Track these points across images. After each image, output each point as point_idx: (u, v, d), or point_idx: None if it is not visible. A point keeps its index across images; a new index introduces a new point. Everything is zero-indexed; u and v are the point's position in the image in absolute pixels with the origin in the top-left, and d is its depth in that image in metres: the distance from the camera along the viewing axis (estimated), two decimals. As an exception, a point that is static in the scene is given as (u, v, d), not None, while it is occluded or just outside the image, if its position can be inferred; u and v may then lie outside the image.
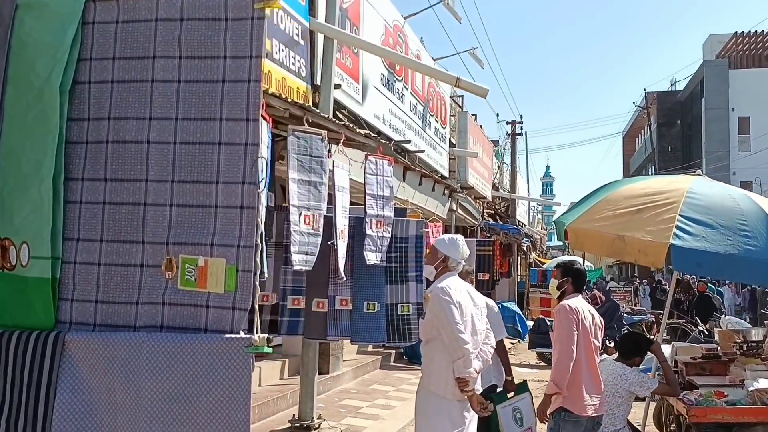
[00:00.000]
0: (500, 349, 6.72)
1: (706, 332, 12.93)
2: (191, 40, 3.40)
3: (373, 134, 8.08)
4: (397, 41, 15.17)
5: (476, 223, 22.96)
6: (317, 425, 8.32)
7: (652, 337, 13.29)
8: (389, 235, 7.19)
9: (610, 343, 12.58)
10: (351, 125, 7.52)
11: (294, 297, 7.24)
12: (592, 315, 5.64)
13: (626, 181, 7.43)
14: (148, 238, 3.39)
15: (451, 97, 21.95)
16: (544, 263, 32.88)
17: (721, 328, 9.42)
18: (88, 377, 3.28)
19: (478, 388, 5.28)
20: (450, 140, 21.04)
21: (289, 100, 6.17)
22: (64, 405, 3.25)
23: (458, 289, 5.22)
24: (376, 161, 7.13)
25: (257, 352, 3.14)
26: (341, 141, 6.66)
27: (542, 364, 15.30)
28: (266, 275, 4.65)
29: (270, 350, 3.19)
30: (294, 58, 9.72)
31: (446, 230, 16.95)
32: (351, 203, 6.89)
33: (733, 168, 42.23)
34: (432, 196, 16.80)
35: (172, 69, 3.41)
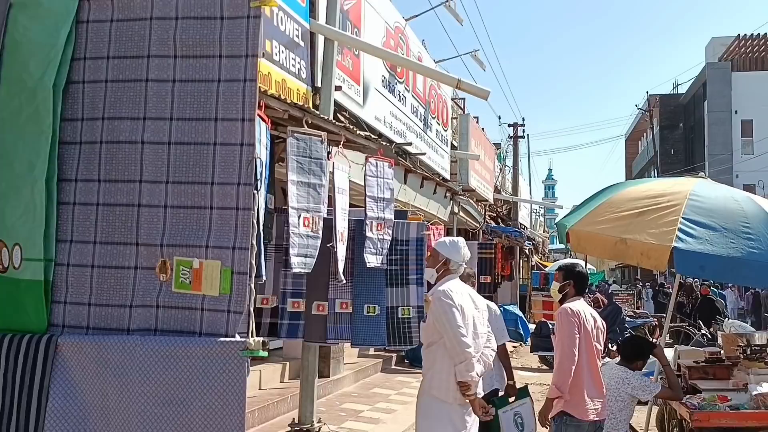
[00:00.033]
0: (502, 354, 6.69)
1: (709, 336, 12.87)
2: (186, 39, 3.36)
3: (373, 136, 8.03)
4: (398, 43, 15.14)
5: (478, 225, 22.92)
6: (317, 429, 8.27)
7: (654, 340, 13.26)
8: (390, 238, 7.14)
9: (612, 347, 12.51)
10: (351, 127, 7.47)
11: (294, 300, 7.20)
12: (594, 318, 5.60)
13: (628, 183, 7.39)
14: (142, 239, 3.34)
15: (452, 99, 21.93)
16: (547, 266, 32.82)
17: (724, 331, 9.36)
18: (80, 381, 3.23)
19: (480, 392, 5.23)
20: (452, 143, 21.01)
21: (289, 101, 6.11)
22: (56, 409, 3.20)
23: (460, 292, 5.19)
24: (376, 163, 7.09)
25: (252, 355, 3.09)
26: (341, 143, 6.61)
27: (544, 367, 15.24)
28: (264, 278, 4.63)
29: (266, 354, 3.14)
30: (294, 59, 9.69)
31: (448, 233, 16.93)
32: (351, 205, 6.85)
33: (736, 171, 42.13)
34: (433, 198, 16.78)
35: (167, 68, 3.36)
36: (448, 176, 19.90)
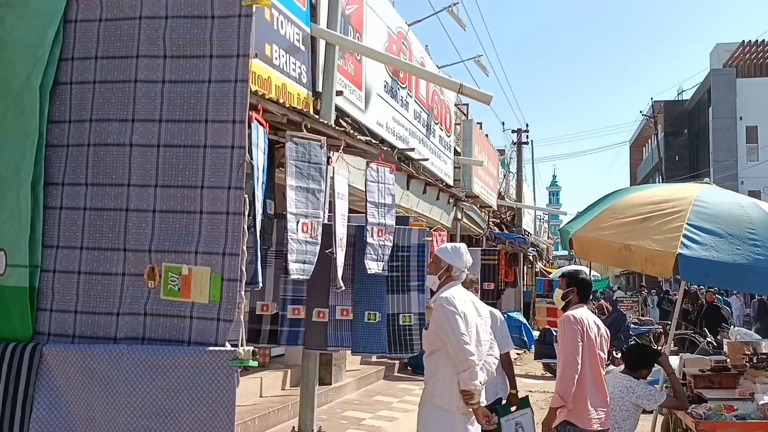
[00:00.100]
0: (506, 362, 6.62)
1: (715, 343, 12.76)
2: (176, 39, 3.27)
3: (374, 141, 7.96)
4: (400, 48, 15.08)
5: (481, 232, 22.83)
6: (318, 437, 8.17)
7: (659, 348, 13.15)
8: (391, 244, 7.06)
9: (617, 354, 12.40)
10: (352, 132, 7.39)
11: (294, 306, 7.12)
12: (598, 326, 5.52)
13: (632, 189, 7.30)
14: (130, 245, 3.26)
15: (456, 105, 21.86)
16: (551, 273, 32.68)
17: (730, 339, 9.25)
18: (66, 391, 3.14)
19: (483, 400, 5.18)
20: (455, 148, 20.94)
21: (288, 105, 6.03)
22: (40, 420, 3.11)
23: (462, 299, 5.16)
24: (377, 168, 7.01)
25: (242, 365, 3.00)
26: (341, 148, 6.53)
27: (548, 375, 15.12)
28: (260, 284, 4.55)
29: (255, 364, 3.05)
30: (295, 64, 9.62)
31: (451, 239, 16.85)
32: (353, 211, 6.78)
33: (740, 177, 42.01)
34: (436, 204, 16.69)
35: (156, 69, 3.28)
36: (451, 182, 19.82)
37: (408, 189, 14.33)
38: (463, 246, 5.51)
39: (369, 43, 12.54)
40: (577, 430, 5.24)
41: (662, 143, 50.93)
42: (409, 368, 14.47)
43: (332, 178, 6.33)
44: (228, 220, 3.13)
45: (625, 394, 5.80)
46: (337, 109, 10.47)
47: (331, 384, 11.33)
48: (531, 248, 28.66)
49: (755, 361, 7.14)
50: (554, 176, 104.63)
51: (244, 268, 3.09)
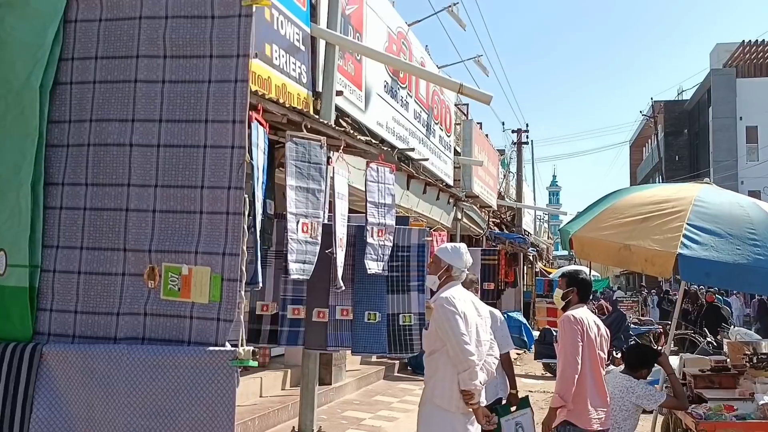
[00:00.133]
0: (506, 362, 6.62)
1: (715, 343, 12.75)
2: (176, 39, 3.27)
3: (374, 141, 7.96)
4: (400, 48, 15.08)
5: (481, 232, 22.82)
6: (318, 437, 8.17)
7: (659, 348, 13.14)
8: (391, 244, 7.05)
9: (617, 354, 12.40)
10: (352, 132, 7.38)
11: (294, 306, 7.11)
12: (598, 326, 5.51)
13: (632, 189, 7.28)
14: (130, 245, 3.25)
15: (456, 105, 21.85)
16: (551, 273, 32.67)
17: (730, 339, 9.24)
18: (66, 391, 3.13)
19: (483, 400, 5.17)
20: (455, 148, 20.93)
21: (288, 105, 6.03)
22: (40, 420, 3.10)
23: (462, 299, 5.16)
24: (377, 168, 7.00)
25: (242, 365, 2.99)
26: (341, 148, 6.53)
27: (548, 375, 15.12)
28: (260, 284, 4.55)
29: (255, 364, 3.04)
30: (295, 64, 9.62)
31: (451, 239, 16.83)
32: (353, 211, 6.78)
33: (740, 177, 41.98)
34: (436, 204, 16.68)
35: (156, 69, 3.28)
36: (451, 182, 19.81)
37: (408, 189, 14.33)
38: (463, 246, 5.50)
39: (369, 43, 12.53)
40: (577, 430, 5.24)
41: (662, 143, 50.91)
42: (409, 368, 14.46)
43: (332, 178, 6.33)
44: (228, 220, 3.13)
45: (625, 394, 5.80)
46: (337, 109, 10.46)
47: (331, 384, 11.32)
48: (531, 248, 28.65)
49: (755, 361, 7.14)
50: (554, 176, 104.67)
51: (244, 268, 3.08)
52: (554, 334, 14.01)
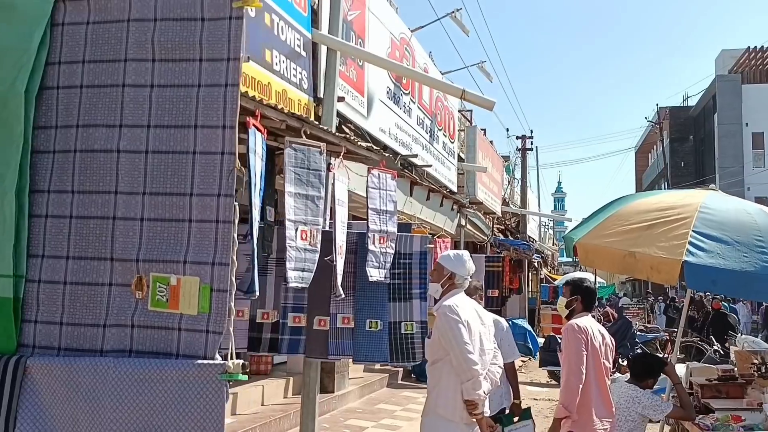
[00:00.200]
0: (510, 371, 6.53)
1: (722, 352, 12.63)
2: (165, 42, 3.17)
3: (375, 147, 7.88)
4: (403, 54, 15.03)
5: (486, 238, 22.72)
6: (319, 447, 8.08)
7: (665, 356, 13.02)
8: (393, 251, 6.98)
9: (623, 362, 12.29)
10: (352, 138, 7.32)
11: (295, 315, 7.03)
12: (602, 335, 5.44)
13: (637, 195, 7.21)
14: (117, 254, 3.15)
15: (459, 111, 21.79)
16: (556, 279, 32.59)
17: (737, 347, 9.14)
18: (50, 406, 3.03)
19: (487, 410, 5.12)
20: (459, 155, 20.86)
21: (287, 111, 5.96)
22: (25, 435, 3.01)
23: (466, 307, 5.12)
24: (378, 175, 6.93)
25: (232, 379, 2.90)
26: (341, 154, 6.46)
27: (553, 382, 15.01)
28: (257, 293, 4.46)
29: (245, 378, 2.94)
30: (296, 69, 9.57)
31: (455, 246, 16.75)
32: (355, 218, 6.72)
33: (747, 183, 41.91)
34: (440, 211, 16.60)
35: (145, 73, 3.18)
36: (455, 189, 19.75)
37: (411, 195, 14.26)
38: (465, 253, 5.45)
39: (371, 48, 12.49)
40: (582, 441, 5.16)
41: (668, 149, 50.81)
42: (412, 376, 14.38)
43: (332, 184, 6.26)
44: (218, 229, 3.03)
45: (631, 404, 5.71)
46: (340, 115, 10.41)
47: (333, 392, 11.24)
48: (536, 255, 28.55)
49: (763, 370, 7.03)
50: (559, 182, 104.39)
51: (233, 278, 2.99)
52: (559, 341, 13.90)
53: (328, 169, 6.04)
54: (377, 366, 13.38)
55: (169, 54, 3.17)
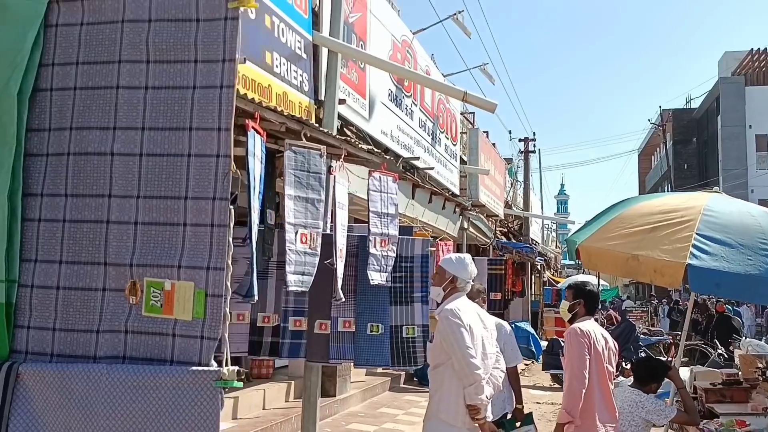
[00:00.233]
0: (513, 376, 6.48)
1: (726, 355, 12.56)
2: (159, 43, 3.13)
3: (376, 150, 7.84)
4: (405, 57, 15.00)
5: (488, 241, 22.65)
6: (320, 451, 8.03)
7: (669, 359, 12.95)
8: (394, 254, 6.95)
9: (626, 365, 12.23)
10: (353, 140, 7.27)
11: (296, 318, 7.00)
12: (605, 339, 5.39)
13: (641, 198, 7.17)
14: (111, 259, 3.10)
15: (462, 113, 21.75)
16: (559, 282, 32.52)
17: (741, 350, 9.08)
18: (43, 412, 2.98)
19: (490, 415, 5.07)
20: (461, 157, 20.81)
21: (286, 113, 5.93)
22: (16, 443, 2.96)
23: (468, 310, 5.07)
24: (380, 177, 6.90)
25: (226, 386, 2.85)
26: (342, 156, 6.42)
27: (556, 386, 14.95)
28: (255, 297, 4.41)
29: (240, 385, 2.89)
30: (296, 72, 9.52)
31: (458, 249, 16.70)
32: (357, 221, 6.68)
33: (750, 186, 41.79)
34: (442, 214, 16.55)
35: (139, 74, 3.14)
36: (457, 191, 19.69)
37: (413, 198, 14.21)
38: (467, 257, 5.40)
39: (373, 51, 12.45)
40: (586, 447, 5.11)
41: (671, 152, 50.74)
42: (415, 379, 14.32)
43: (333, 187, 6.22)
44: (212, 233, 2.98)
45: (635, 409, 5.67)
46: (341, 117, 10.36)
47: (335, 396, 11.19)
48: (539, 257, 28.49)
49: (768, 374, 7.00)
50: (562, 185, 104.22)
51: (229, 283, 2.94)
52: (562, 344, 13.84)
53: (329, 171, 6.00)
54: (379, 369, 13.34)
55: (163, 55, 3.13)
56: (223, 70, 3.04)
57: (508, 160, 35.03)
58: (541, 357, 17.15)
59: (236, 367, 2.85)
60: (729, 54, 48.53)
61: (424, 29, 16.63)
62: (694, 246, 5.09)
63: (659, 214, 5.62)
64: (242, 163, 3.92)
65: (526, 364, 17.57)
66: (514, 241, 28.14)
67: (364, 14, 12.54)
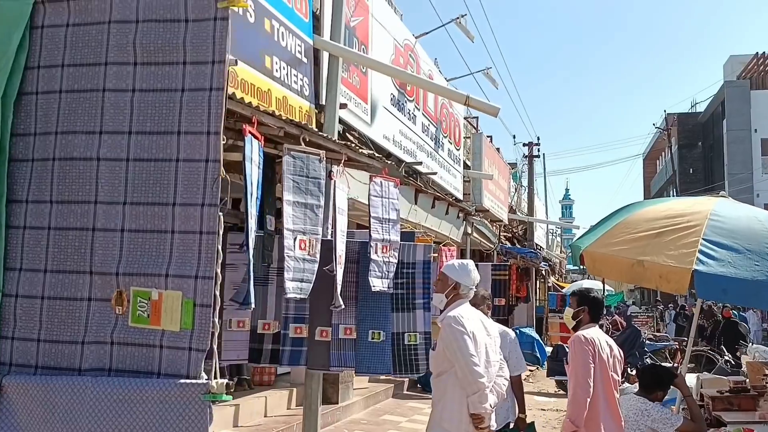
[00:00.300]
0: (516, 384, 6.39)
1: (733, 362, 12.44)
2: (147, 44, 3.04)
3: (377, 155, 7.77)
4: (408, 61, 14.93)
5: (492, 246, 22.55)
6: (321, 460, 7.94)
7: (675, 365, 12.82)
8: (396, 261, 6.87)
9: (631, 371, 12.12)
10: (354, 145, 7.19)
11: (296, 325, 6.92)
12: (611, 346, 5.29)
13: (646, 203, 7.09)
14: (96, 267, 3.01)
15: (465, 118, 21.67)
16: (564, 287, 32.40)
17: (748, 356, 8.98)
18: (26, 427, 2.89)
19: (493, 424, 5.02)
20: (464, 162, 20.73)
21: (284, 118, 5.85)
22: (-1, 459, 2.87)
23: (471, 317, 5.02)
24: (381, 183, 6.82)
25: (215, 400, 2.75)
26: (342, 161, 6.34)
27: (561, 392, 14.80)
28: (252, 305, 4.33)
29: (230, 398, 2.80)
30: (297, 76, 9.45)
31: (461, 254, 16.61)
32: (359, 226, 6.59)
33: (756, 190, 41.67)
34: (445, 219, 16.46)
35: (126, 77, 3.05)
36: (460, 196, 19.61)
37: (416, 203, 14.12)
38: (470, 263, 5.33)
39: (375, 55, 12.38)
40: (591, 456, 5.01)
41: (676, 156, 50.60)
42: (418, 386, 14.22)
43: (333, 193, 6.15)
44: (201, 240, 2.89)
45: (640, 417, 5.56)
46: (343, 122, 10.28)
47: (337, 403, 11.10)
48: (543, 263, 28.38)
49: (776, 382, 6.90)
50: (567, 190, 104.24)
51: (218, 293, 2.84)
52: (567, 350, 13.72)
53: (329, 176, 5.93)
54: (382, 376, 13.25)
55: (151, 57, 3.04)
56: (213, 72, 2.95)
57: (512, 165, 34.92)
58: (545, 363, 17.04)
59: (225, 380, 2.75)
60: (734, 58, 48.44)
61: (426, 33, 16.56)
62: (701, 251, 5.00)
63: (665, 219, 5.54)
64: (240, 168, 3.83)
65: (530, 371, 17.44)
66: (519, 246, 28.04)
67: (366, 18, 12.47)
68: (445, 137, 18.29)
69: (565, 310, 5.84)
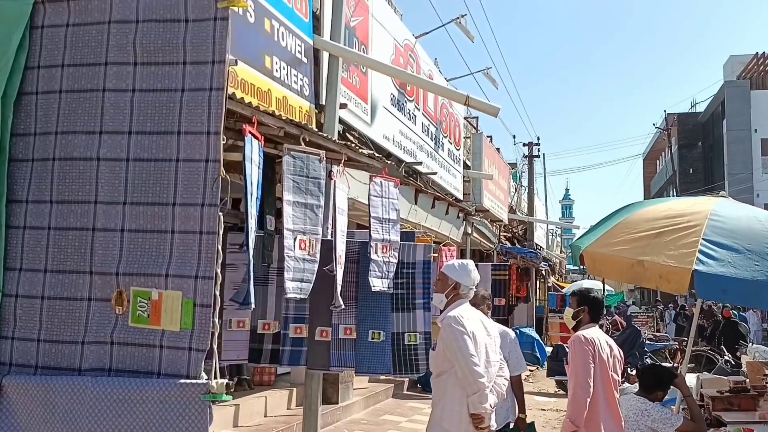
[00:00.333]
0: (516, 385, 6.39)
1: (733, 362, 12.44)
2: (147, 44, 3.04)
3: (377, 155, 7.77)
4: (408, 61, 14.93)
5: (492, 246, 22.55)
6: (321, 460, 7.94)
7: (675, 365, 12.82)
8: (396, 261, 6.87)
9: (631, 371, 12.12)
10: (354, 144, 7.19)
11: (296, 325, 6.92)
12: (611, 347, 5.29)
13: (646, 203, 7.08)
14: (96, 268, 3.01)
15: (465, 118, 21.67)
16: (564, 287, 32.40)
17: (748, 356, 8.98)
18: (26, 427, 2.89)
19: (494, 424, 5.02)
20: (464, 162, 20.72)
21: (284, 118, 5.84)
22: (-2, 459, 2.87)
23: (471, 317, 5.01)
24: (381, 183, 6.82)
25: (215, 400, 2.75)
26: (342, 161, 6.34)
27: (561, 392, 14.80)
28: (252, 305, 4.33)
29: (230, 398, 2.80)
30: (296, 76, 9.45)
31: (461, 254, 16.60)
32: (359, 226, 6.59)
33: (756, 190, 41.66)
34: (445, 219, 16.46)
35: (126, 77, 3.05)
36: (460, 196, 19.60)
37: (416, 203, 14.12)
38: (470, 263, 5.33)
39: (375, 55, 12.38)
40: (590, 456, 5.01)
41: (676, 156, 50.60)
42: (418, 386, 14.22)
43: (333, 193, 6.15)
44: (201, 240, 2.89)
45: (640, 417, 5.56)
46: (343, 122, 10.27)
47: (337, 403, 11.09)
48: (543, 263, 28.37)
49: (776, 382, 6.90)
50: (567, 189, 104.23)
51: (218, 293, 2.84)
52: (567, 350, 13.71)
53: (329, 176, 5.93)
54: (382, 376, 13.24)
55: (151, 57, 3.04)
56: (213, 72, 2.95)
57: (512, 165, 34.92)
58: (545, 363, 17.04)
59: (225, 380, 2.75)
60: (734, 58, 48.43)
61: (426, 33, 16.55)
62: (701, 251, 5.00)
63: (665, 219, 5.54)
64: (240, 168, 3.83)
65: (531, 370, 17.44)
66: (519, 246, 28.04)
67: (366, 18, 12.47)
68: (445, 137, 18.29)
69: (565, 310, 5.84)
